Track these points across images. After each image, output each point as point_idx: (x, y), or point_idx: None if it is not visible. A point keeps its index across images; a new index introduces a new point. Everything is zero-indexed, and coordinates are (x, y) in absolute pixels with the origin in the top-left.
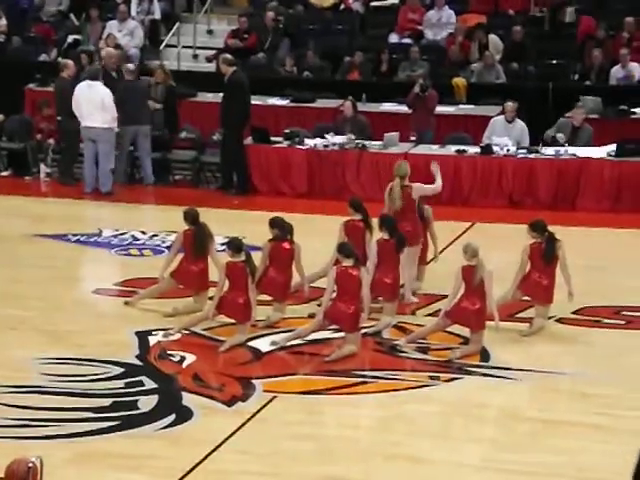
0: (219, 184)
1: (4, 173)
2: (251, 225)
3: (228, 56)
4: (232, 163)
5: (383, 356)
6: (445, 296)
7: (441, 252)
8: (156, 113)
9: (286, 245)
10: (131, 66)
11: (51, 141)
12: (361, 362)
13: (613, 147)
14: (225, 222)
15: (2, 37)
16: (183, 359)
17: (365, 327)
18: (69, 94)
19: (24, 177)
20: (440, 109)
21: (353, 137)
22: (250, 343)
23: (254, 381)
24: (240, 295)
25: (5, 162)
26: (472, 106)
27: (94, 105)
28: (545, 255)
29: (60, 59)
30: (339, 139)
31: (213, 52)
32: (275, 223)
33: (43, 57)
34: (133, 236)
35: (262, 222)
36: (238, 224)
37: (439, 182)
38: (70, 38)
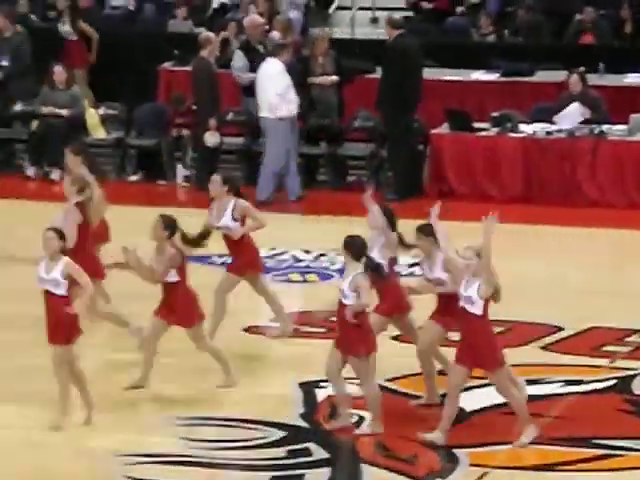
0: None
1: (133, 177)
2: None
3: (394, 17)
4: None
5: (634, 419)
6: None
7: None
8: (328, 91)
9: None
10: (276, 35)
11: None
12: (603, 427)
13: None
14: (405, 235)
15: (132, 4)
16: (362, 420)
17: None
18: (209, 78)
19: (157, 182)
20: None
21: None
22: None
23: (457, 451)
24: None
25: (134, 163)
26: None
27: (261, 88)
28: None
29: (204, 31)
30: (567, 123)
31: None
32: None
33: (182, 27)
34: (294, 256)
35: (463, 235)
36: None
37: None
38: (216, 2)
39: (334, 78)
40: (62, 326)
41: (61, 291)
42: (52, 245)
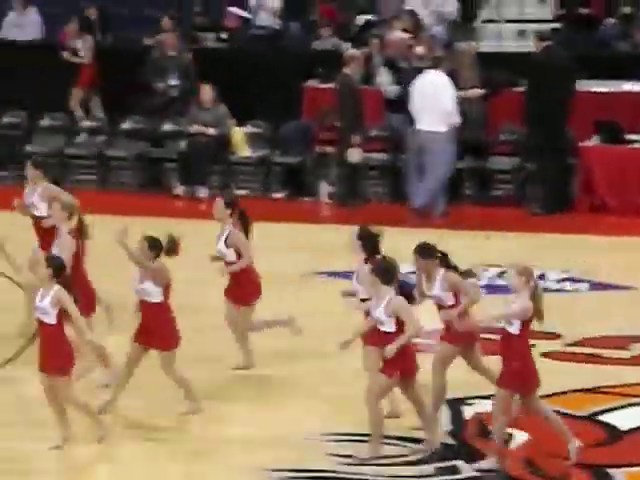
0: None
1: (278, 195)
2: (597, 255)
3: (542, 29)
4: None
5: None
6: None
7: None
8: (474, 105)
9: None
10: (420, 50)
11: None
12: None
13: None
14: (553, 250)
15: (277, 23)
16: (510, 438)
17: None
18: (353, 94)
19: (301, 199)
20: None
21: None
22: (601, 417)
23: (611, 470)
24: None
25: (279, 181)
26: None
27: (431, 99)
28: None
29: (348, 47)
30: None
31: (545, 27)
32: None
33: (326, 45)
34: None
35: (615, 250)
36: (577, 253)
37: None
38: (360, 19)
39: (481, 91)
40: (53, 356)
41: (50, 320)
42: (40, 272)
